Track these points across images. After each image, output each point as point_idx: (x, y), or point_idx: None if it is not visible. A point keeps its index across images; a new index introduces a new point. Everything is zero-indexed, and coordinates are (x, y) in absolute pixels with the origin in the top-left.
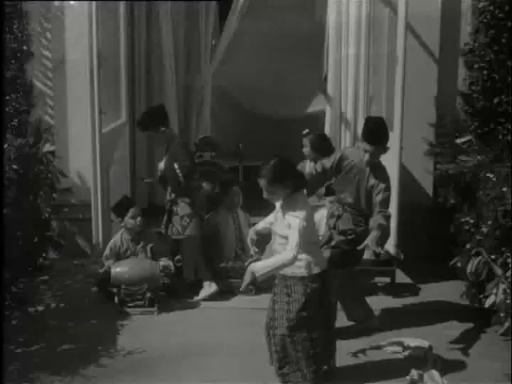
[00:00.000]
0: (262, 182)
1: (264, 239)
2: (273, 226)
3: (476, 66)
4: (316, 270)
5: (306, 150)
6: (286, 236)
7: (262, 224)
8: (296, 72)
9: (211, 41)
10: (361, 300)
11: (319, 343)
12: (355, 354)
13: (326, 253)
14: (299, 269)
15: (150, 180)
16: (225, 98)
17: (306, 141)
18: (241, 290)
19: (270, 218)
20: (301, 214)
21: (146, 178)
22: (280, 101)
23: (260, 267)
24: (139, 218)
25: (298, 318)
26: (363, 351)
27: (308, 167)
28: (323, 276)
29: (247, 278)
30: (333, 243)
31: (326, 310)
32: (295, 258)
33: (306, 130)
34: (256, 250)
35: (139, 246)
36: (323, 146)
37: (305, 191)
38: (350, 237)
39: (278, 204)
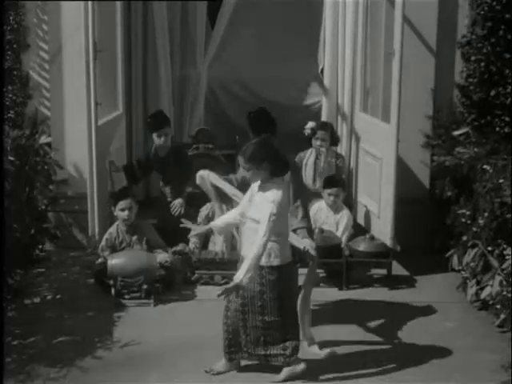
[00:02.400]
0: (241, 160)
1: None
2: (246, 210)
3: (473, 58)
4: (275, 262)
5: (326, 143)
6: (256, 220)
7: (224, 220)
8: (292, 63)
9: (205, 32)
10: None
11: (271, 332)
12: None
13: None
14: (266, 259)
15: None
16: (220, 89)
17: (324, 135)
18: (219, 295)
19: (236, 210)
20: (275, 199)
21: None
22: (276, 92)
23: (241, 275)
24: (127, 212)
25: (250, 305)
26: None
27: (311, 158)
28: (284, 269)
29: (232, 291)
30: None
31: (284, 301)
32: (265, 245)
33: (312, 123)
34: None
35: (134, 237)
36: (336, 135)
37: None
38: None
39: (253, 188)
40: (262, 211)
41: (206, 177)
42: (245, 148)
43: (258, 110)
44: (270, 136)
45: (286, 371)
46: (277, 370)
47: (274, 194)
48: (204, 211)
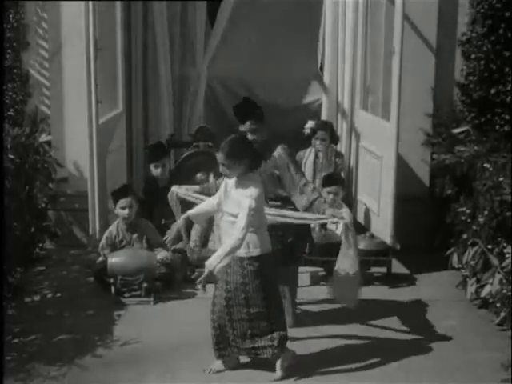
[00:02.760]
0: (219, 156)
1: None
2: (222, 204)
3: (473, 56)
4: (255, 253)
5: (325, 143)
6: (234, 214)
7: (199, 210)
8: (292, 61)
9: (205, 31)
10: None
11: (257, 324)
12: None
13: None
14: (243, 249)
15: None
16: (220, 87)
17: (324, 134)
18: (198, 283)
19: (211, 201)
20: (253, 193)
21: None
22: (276, 91)
23: (214, 261)
24: (127, 210)
25: (234, 298)
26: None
27: (311, 157)
28: (265, 259)
29: (205, 274)
30: None
31: (268, 292)
32: (244, 239)
33: (312, 123)
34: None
35: (134, 235)
36: (336, 134)
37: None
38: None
39: (229, 182)
40: (240, 206)
41: (173, 191)
42: (223, 145)
43: (242, 100)
44: (256, 124)
45: (279, 365)
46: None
47: (252, 189)
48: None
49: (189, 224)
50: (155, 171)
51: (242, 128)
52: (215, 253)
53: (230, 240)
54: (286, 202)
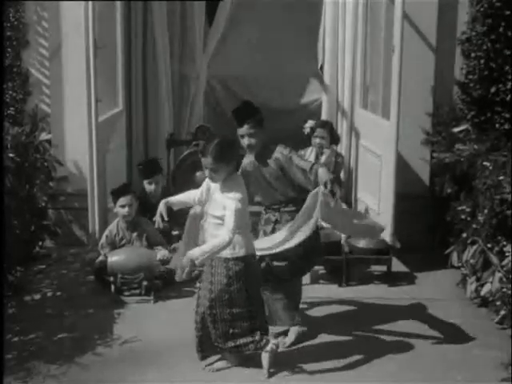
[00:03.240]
0: (208, 161)
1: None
2: (206, 206)
3: (473, 54)
4: (241, 253)
5: (324, 141)
6: (219, 216)
7: (180, 198)
8: (292, 60)
9: (204, 30)
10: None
11: (239, 324)
12: None
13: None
14: (228, 250)
15: None
16: (220, 86)
17: (323, 132)
18: (178, 278)
19: (194, 194)
20: (237, 195)
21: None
22: (276, 90)
23: (198, 253)
24: (127, 209)
25: (218, 298)
26: None
27: (312, 156)
28: (249, 259)
29: (185, 265)
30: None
31: (251, 292)
32: (231, 241)
33: (312, 122)
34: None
35: (134, 234)
36: (336, 134)
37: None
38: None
39: (212, 184)
40: (224, 208)
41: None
42: (211, 149)
43: (241, 103)
44: (255, 128)
45: (265, 357)
46: None
47: (236, 191)
48: None
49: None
50: (148, 187)
51: (240, 131)
52: (202, 247)
53: (217, 239)
54: (299, 204)
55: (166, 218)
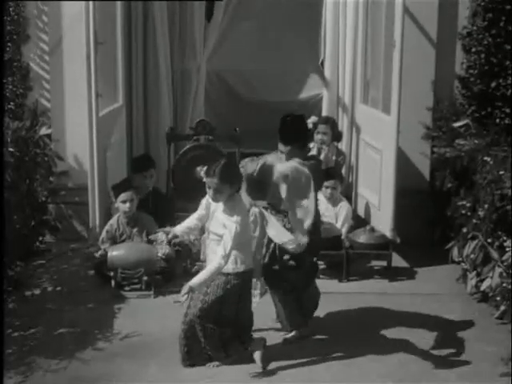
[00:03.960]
0: (214, 181)
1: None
2: (207, 223)
3: (474, 49)
4: (241, 269)
5: (326, 137)
6: (220, 234)
7: (184, 225)
8: (292, 56)
9: (204, 25)
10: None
11: (228, 336)
12: None
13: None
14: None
15: None
16: (219, 82)
17: (326, 128)
18: (175, 302)
19: (195, 215)
20: (238, 219)
21: None
22: (276, 85)
23: (197, 282)
24: (128, 204)
25: (209, 309)
26: None
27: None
28: (247, 274)
29: (184, 291)
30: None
31: (242, 307)
32: (226, 263)
33: (315, 118)
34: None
35: (135, 229)
36: (339, 131)
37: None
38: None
39: (213, 204)
40: (225, 227)
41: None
42: (217, 170)
43: (291, 119)
44: (296, 148)
45: (257, 356)
46: None
47: (237, 214)
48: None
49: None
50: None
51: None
52: (199, 274)
53: (212, 265)
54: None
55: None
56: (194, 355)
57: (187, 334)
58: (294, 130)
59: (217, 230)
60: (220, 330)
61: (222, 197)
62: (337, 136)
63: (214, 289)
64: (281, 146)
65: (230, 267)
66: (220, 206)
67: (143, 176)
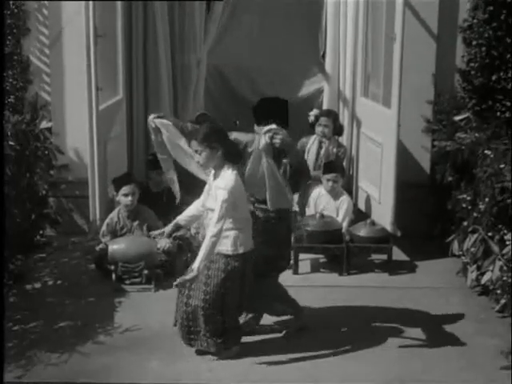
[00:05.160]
0: (193, 143)
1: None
2: (205, 202)
3: (474, 42)
4: (241, 250)
5: (328, 129)
6: (213, 208)
7: (187, 213)
8: (293, 50)
9: (205, 19)
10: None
11: (229, 320)
12: None
13: None
14: (224, 246)
15: None
16: (219, 76)
17: (327, 121)
18: (176, 284)
19: (198, 201)
20: (227, 185)
21: None
22: (277, 79)
23: (197, 263)
24: (130, 197)
25: (213, 293)
26: None
27: (315, 145)
28: (248, 256)
29: (190, 279)
30: None
31: (244, 290)
32: (221, 231)
33: (317, 111)
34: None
35: (135, 223)
36: (340, 125)
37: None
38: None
39: (210, 178)
40: (215, 200)
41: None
42: (197, 131)
43: (267, 99)
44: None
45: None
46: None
47: (225, 181)
48: None
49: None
50: (156, 178)
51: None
52: (198, 256)
53: (205, 240)
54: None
55: (165, 236)
56: (193, 338)
57: (190, 317)
58: (267, 110)
59: (211, 205)
60: (222, 319)
61: (205, 160)
62: (338, 129)
63: (216, 272)
64: (258, 129)
65: (229, 249)
66: (213, 178)
67: (158, 173)
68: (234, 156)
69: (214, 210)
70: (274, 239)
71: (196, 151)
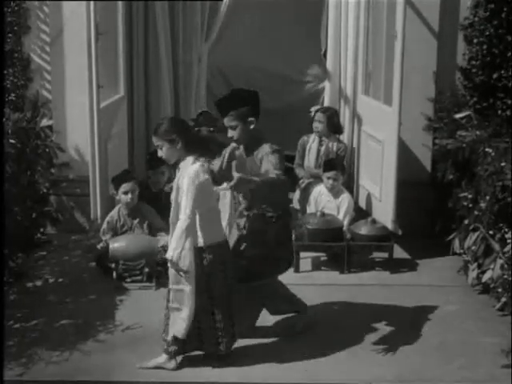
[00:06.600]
0: (153, 137)
1: None
2: (177, 197)
3: (475, 40)
4: (213, 241)
5: (321, 125)
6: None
7: None
8: (294, 48)
9: (207, 17)
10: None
11: (217, 318)
12: None
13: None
14: (195, 239)
15: None
16: (221, 73)
17: (322, 116)
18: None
19: None
20: (189, 177)
21: None
22: (277, 77)
23: (170, 252)
24: (130, 195)
25: (197, 290)
26: None
27: (315, 143)
28: (222, 247)
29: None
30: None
31: (225, 284)
32: (191, 219)
33: (317, 106)
34: None
35: (136, 221)
36: (338, 123)
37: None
38: (265, 239)
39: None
40: (180, 189)
41: None
42: (156, 125)
43: (232, 91)
44: (236, 121)
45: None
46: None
47: (188, 173)
48: None
49: None
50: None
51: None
52: (170, 245)
53: (177, 226)
54: (274, 205)
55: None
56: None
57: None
58: (231, 100)
59: (180, 199)
60: (212, 317)
61: (167, 155)
62: (334, 126)
63: (194, 267)
64: (227, 121)
65: (201, 241)
66: (179, 172)
67: (157, 172)
68: (196, 147)
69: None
70: (273, 239)
71: (157, 146)
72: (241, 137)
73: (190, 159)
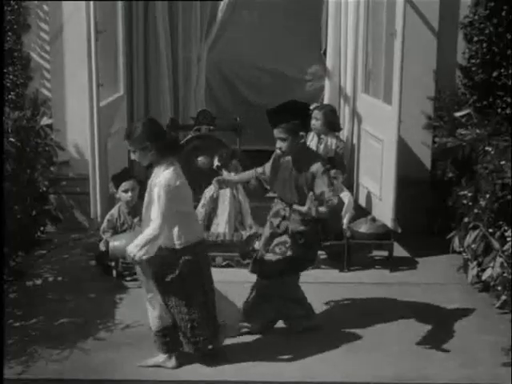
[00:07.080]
0: (126, 141)
1: None
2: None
3: (475, 39)
4: (188, 243)
5: (318, 123)
6: (147, 204)
7: None
8: (294, 46)
9: (207, 16)
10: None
11: (196, 316)
12: None
13: (270, 257)
14: (171, 241)
15: None
16: (220, 73)
17: (318, 114)
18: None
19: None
20: (161, 182)
21: None
22: (277, 75)
23: (132, 248)
24: (130, 193)
25: (171, 289)
26: None
27: (314, 141)
28: (199, 248)
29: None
30: (275, 247)
31: (204, 284)
32: (162, 227)
33: (315, 104)
34: None
35: (136, 219)
36: (335, 120)
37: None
38: (300, 241)
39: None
40: (152, 194)
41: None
42: (127, 130)
43: (286, 103)
44: (288, 133)
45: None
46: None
47: (160, 178)
48: (209, 192)
49: None
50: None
51: (274, 133)
52: (135, 241)
53: (147, 229)
54: None
55: None
56: (171, 341)
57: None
58: (283, 112)
59: (146, 199)
60: (189, 316)
61: (140, 160)
62: (332, 124)
63: (169, 269)
64: (278, 133)
65: (176, 243)
66: (152, 172)
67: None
68: (169, 152)
69: (147, 204)
70: (307, 241)
71: (130, 149)
72: (289, 149)
73: (163, 165)
